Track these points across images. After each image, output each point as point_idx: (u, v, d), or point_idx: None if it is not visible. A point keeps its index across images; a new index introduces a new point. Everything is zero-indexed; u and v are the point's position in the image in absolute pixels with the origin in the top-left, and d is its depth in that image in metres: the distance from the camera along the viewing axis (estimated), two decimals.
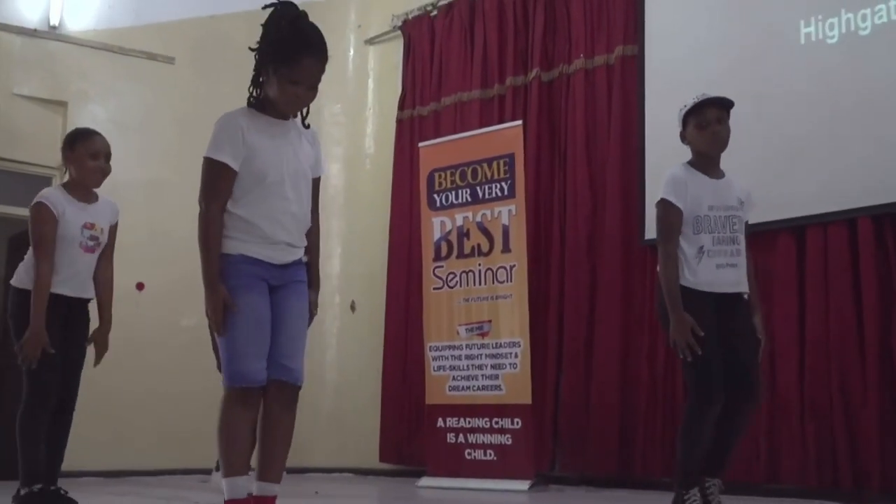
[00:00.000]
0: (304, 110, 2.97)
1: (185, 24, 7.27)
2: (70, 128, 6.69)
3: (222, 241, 2.85)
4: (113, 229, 4.18)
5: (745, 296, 3.68)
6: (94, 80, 7.01)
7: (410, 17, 7.34)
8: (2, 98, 6.70)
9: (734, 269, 3.64)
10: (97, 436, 6.18)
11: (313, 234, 3.07)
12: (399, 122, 7.28)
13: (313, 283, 3.05)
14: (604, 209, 5.74)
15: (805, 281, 4.88)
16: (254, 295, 2.84)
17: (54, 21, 6.87)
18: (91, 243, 4.04)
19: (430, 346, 5.93)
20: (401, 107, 7.27)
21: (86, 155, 4.02)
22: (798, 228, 4.92)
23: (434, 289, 5.96)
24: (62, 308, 3.98)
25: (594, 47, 6.04)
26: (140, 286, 6.88)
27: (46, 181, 6.75)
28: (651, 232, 5.33)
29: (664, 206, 3.62)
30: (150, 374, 6.67)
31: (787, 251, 4.96)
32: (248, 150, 2.83)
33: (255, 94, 2.92)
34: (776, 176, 4.95)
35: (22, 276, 3.99)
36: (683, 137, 3.74)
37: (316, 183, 3.05)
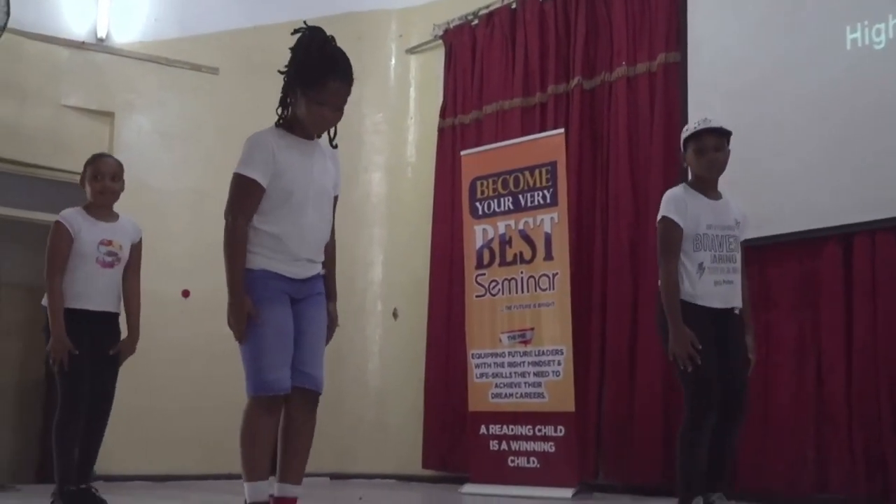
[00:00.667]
0: (333, 130, 3.10)
1: (229, 35, 7.36)
2: (117, 138, 6.94)
3: (249, 256, 3.00)
4: (136, 247, 4.44)
5: (737, 311, 3.86)
6: (140, 90, 7.13)
7: (451, 26, 7.37)
8: (50, 109, 6.83)
9: (730, 286, 3.83)
10: (143, 440, 6.28)
11: (330, 248, 3.23)
12: (441, 130, 7.30)
13: (331, 294, 3.22)
14: (646, 217, 5.71)
15: (852, 289, 4.83)
16: (278, 307, 2.99)
17: (101, 34, 7.00)
18: (109, 259, 4.29)
19: (473, 354, 5.95)
20: (442, 115, 7.31)
21: (89, 177, 4.32)
22: (845, 236, 4.88)
23: (476, 296, 5.97)
24: (87, 322, 4.22)
25: (636, 55, 6.03)
26: (185, 293, 6.97)
27: None
28: None
29: (665, 223, 3.82)
30: (194, 380, 6.76)
31: (833, 259, 4.92)
32: (277, 168, 2.98)
33: (283, 114, 3.06)
34: (822, 183, 4.91)
35: (45, 297, 4.24)
36: (683, 160, 3.96)
37: (334, 201, 3.20)
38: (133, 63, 7.10)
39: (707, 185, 3.90)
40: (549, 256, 5.67)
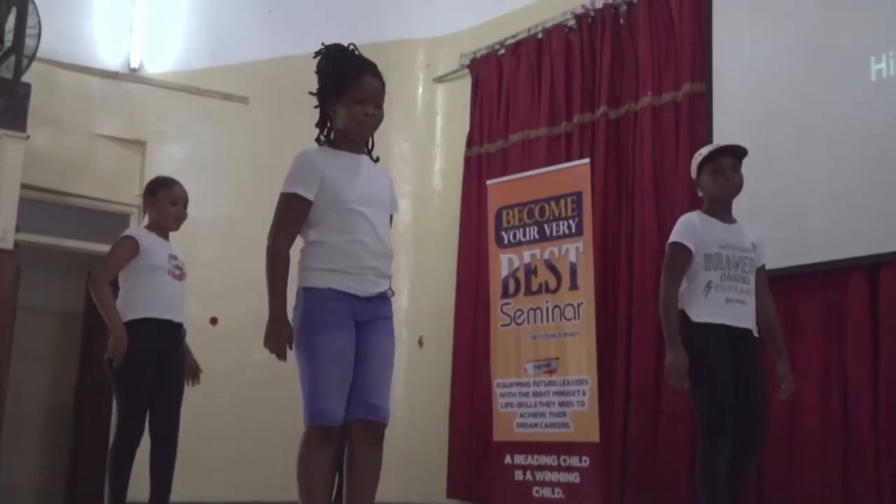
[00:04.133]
0: (370, 142, 3.08)
1: (259, 65, 7.47)
2: (148, 167, 7.03)
3: (310, 273, 2.91)
4: None
5: (755, 334, 3.81)
6: (172, 120, 7.24)
7: (478, 55, 7.43)
8: (84, 138, 6.95)
9: (743, 306, 3.78)
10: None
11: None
12: (467, 159, 7.35)
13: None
14: None
15: (879, 320, 4.80)
16: (339, 334, 2.87)
17: (135, 64, 7.13)
18: (178, 271, 4.35)
19: (498, 383, 5.95)
20: (468, 144, 7.35)
21: (166, 201, 4.38)
22: (872, 266, 4.85)
23: (502, 325, 5.98)
24: (157, 334, 4.20)
25: (661, 84, 6.05)
26: (214, 321, 7.03)
27: (125, 218, 6.99)
28: None
29: (674, 247, 3.86)
30: (223, 408, 6.80)
31: (858, 289, 4.89)
32: (324, 180, 2.92)
33: (324, 133, 3.06)
34: (847, 212, 4.89)
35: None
36: (697, 185, 3.98)
37: (392, 220, 3.15)
38: (165, 93, 7.21)
39: (722, 209, 3.90)
40: (574, 286, 5.68)
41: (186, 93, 7.26)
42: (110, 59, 7.09)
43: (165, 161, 7.13)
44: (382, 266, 2.99)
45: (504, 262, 6.02)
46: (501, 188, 6.20)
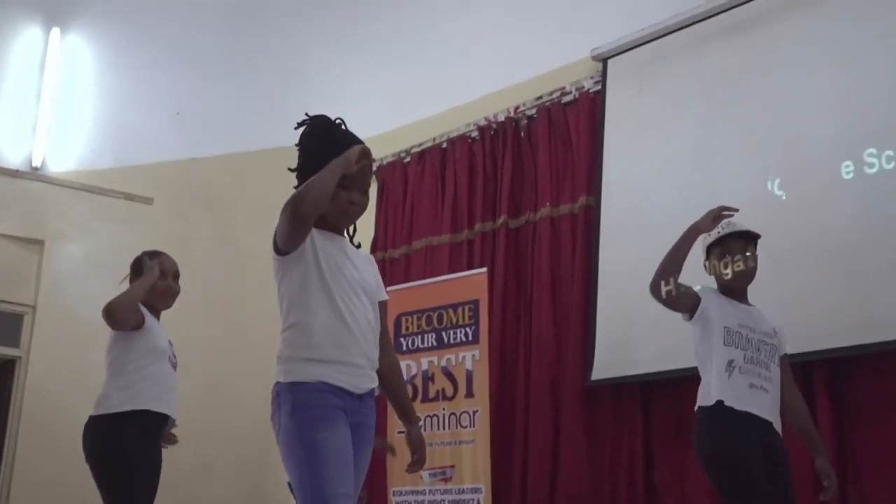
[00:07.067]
0: (352, 228, 2.85)
1: (164, 166, 7.46)
2: (46, 266, 6.89)
3: (300, 365, 2.58)
4: None
5: (777, 428, 3.44)
6: (73, 219, 7.15)
7: (385, 162, 7.55)
8: None
9: (767, 395, 3.41)
10: None
11: (396, 364, 2.89)
12: None
13: (411, 417, 2.83)
14: (566, 355, 5.80)
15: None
16: (341, 428, 2.56)
17: (37, 162, 7.05)
18: (175, 360, 3.95)
19: (394, 491, 5.89)
20: (373, 249, 7.40)
21: (155, 276, 3.93)
22: None
23: (398, 432, 5.93)
24: (157, 428, 3.79)
25: (559, 196, 6.21)
26: None
27: (19, 319, 6.83)
28: (598, 373, 5.46)
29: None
30: None
31: None
32: (314, 248, 2.64)
33: None
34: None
35: (109, 401, 3.75)
36: (706, 268, 3.68)
37: (385, 308, 2.87)
38: (66, 192, 7.14)
39: (735, 294, 3.60)
40: (470, 394, 5.70)
41: (88, 192, 7.20)
42: (12, 156, 7.00)
43: (64, 261, 7.02)
44: (371, 353, 2.70)
45: (402, 369, 5.99)
46: (401, 294, 6.23)
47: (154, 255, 4.09)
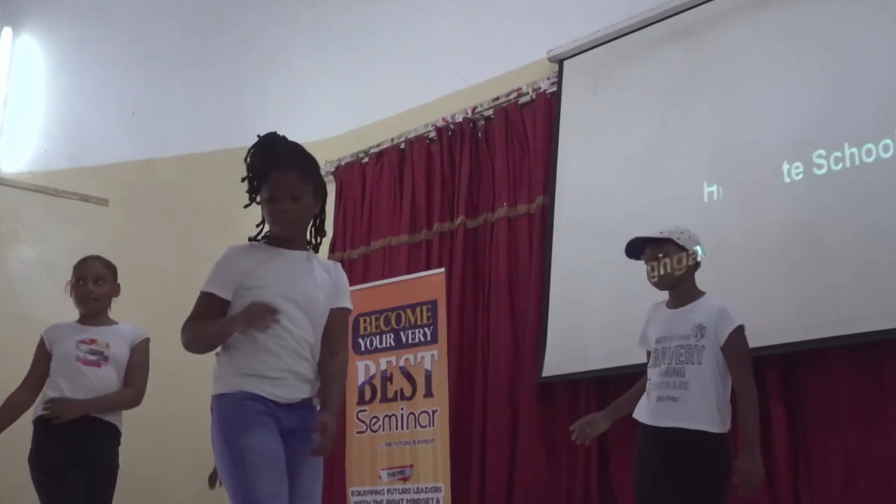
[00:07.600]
0: (318, 238, 3.03)
1: (119, 167, 7.38)
2: None
3: (223, 377, 2.77)
4: (134, 350, 4.25)
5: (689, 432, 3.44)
6: (26, 221, 7.05)
7: (343, 163, 7.55)
8: None
9: (675, 403, 3.45)
10: None
11: (338, 364, 2.91)
12: None
13: (327, 406, 2.79)
14: (523, 354, 5.85)
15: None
16: (265, 433, 2.64)
17: None
18: (92, 357, 4.09)
19: (353, 491, 5.90)
20: (332, 249, 7.40)
21: (73, 281, 4.31)
22: None
23: (357, 433, 5.96)
24: (67, 431, 3.96)
25: (516, 196, 6.25)
26: None
27: None
28: (548, 370, 5.52)
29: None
30: None
31: None
32: (246, 278, 2.82)
33: (261, 230, 2.99)
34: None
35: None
36: None
37: (343, 314, 2.99)
38: (19, 193, 7.03)
39: (671, 297, 3.70)
40: (428, 393, 5.72)
41: (43, 193, 7.11)
42: None
43: (17, 262, 6.92)
44: (306, 368, 2.81)
45: (361, 369, 6.04)
46: (359, 295, 6.21)
47: (80, 261, 4.36)
